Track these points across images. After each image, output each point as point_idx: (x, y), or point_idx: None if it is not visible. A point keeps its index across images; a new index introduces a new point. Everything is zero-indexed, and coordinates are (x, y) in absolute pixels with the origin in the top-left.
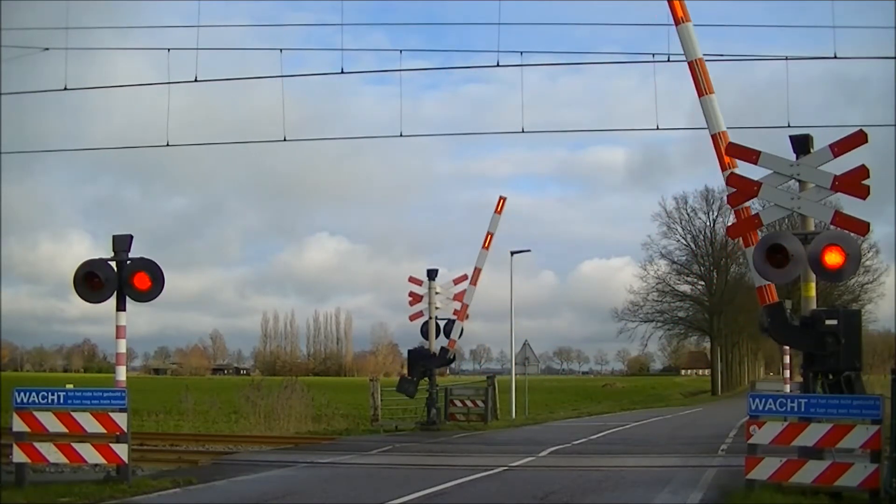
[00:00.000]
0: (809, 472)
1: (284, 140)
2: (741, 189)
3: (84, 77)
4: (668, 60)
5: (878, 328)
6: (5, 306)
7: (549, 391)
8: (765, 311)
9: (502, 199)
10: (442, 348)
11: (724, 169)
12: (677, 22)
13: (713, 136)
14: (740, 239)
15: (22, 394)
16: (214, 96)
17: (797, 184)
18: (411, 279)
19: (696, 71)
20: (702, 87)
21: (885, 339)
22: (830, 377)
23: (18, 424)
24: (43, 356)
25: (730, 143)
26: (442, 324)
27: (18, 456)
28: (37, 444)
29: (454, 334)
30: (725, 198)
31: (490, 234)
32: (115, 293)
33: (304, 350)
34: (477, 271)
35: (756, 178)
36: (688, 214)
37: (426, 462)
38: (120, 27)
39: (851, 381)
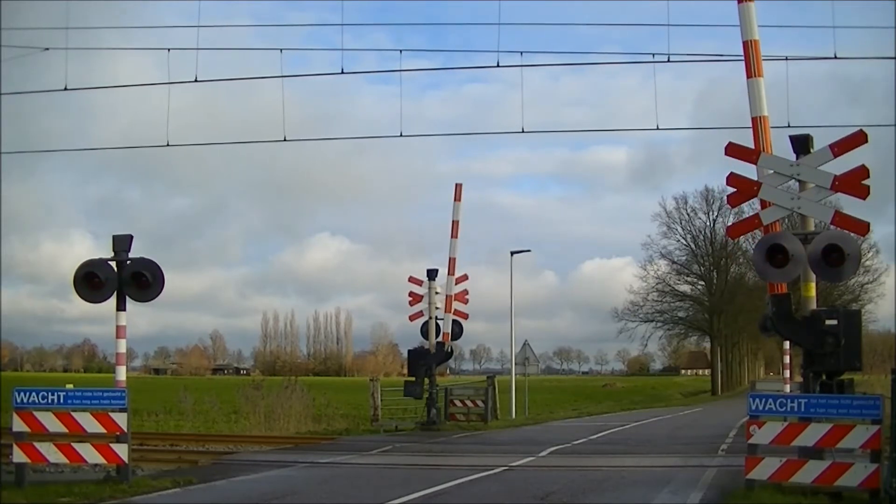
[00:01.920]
0: (809, 472)
1: (284, 140)
2: (741, 189)
3: (86, 77)
4: (668, 61)
5: (878, 328)
6: (5, 306)
7: (549, 391)
8: (771, 299)
9: (459, 186)
10: (438, 343)
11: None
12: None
13: (753, 119)
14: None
15: (22, 394)
16: (217, 96)
17: (797, 184)
18: (411, 279)
19: (750, 51)
20: (752, 69)
21: (885, 339)
22: (824, 378)
23: (18, 424)
24: (43, 356)
25: (730, 143)
26: (442, 324)
27: (18, 456)
28: (37, 444)
29: (445, 327)
30: (726, 198)
31: (455, 223)
32: (115, 293)
33: (304, 350)
34: (451, 261)
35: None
36: (688, 214)
37: (426, 462)
38: (122, 27)
39: (843, 387)
